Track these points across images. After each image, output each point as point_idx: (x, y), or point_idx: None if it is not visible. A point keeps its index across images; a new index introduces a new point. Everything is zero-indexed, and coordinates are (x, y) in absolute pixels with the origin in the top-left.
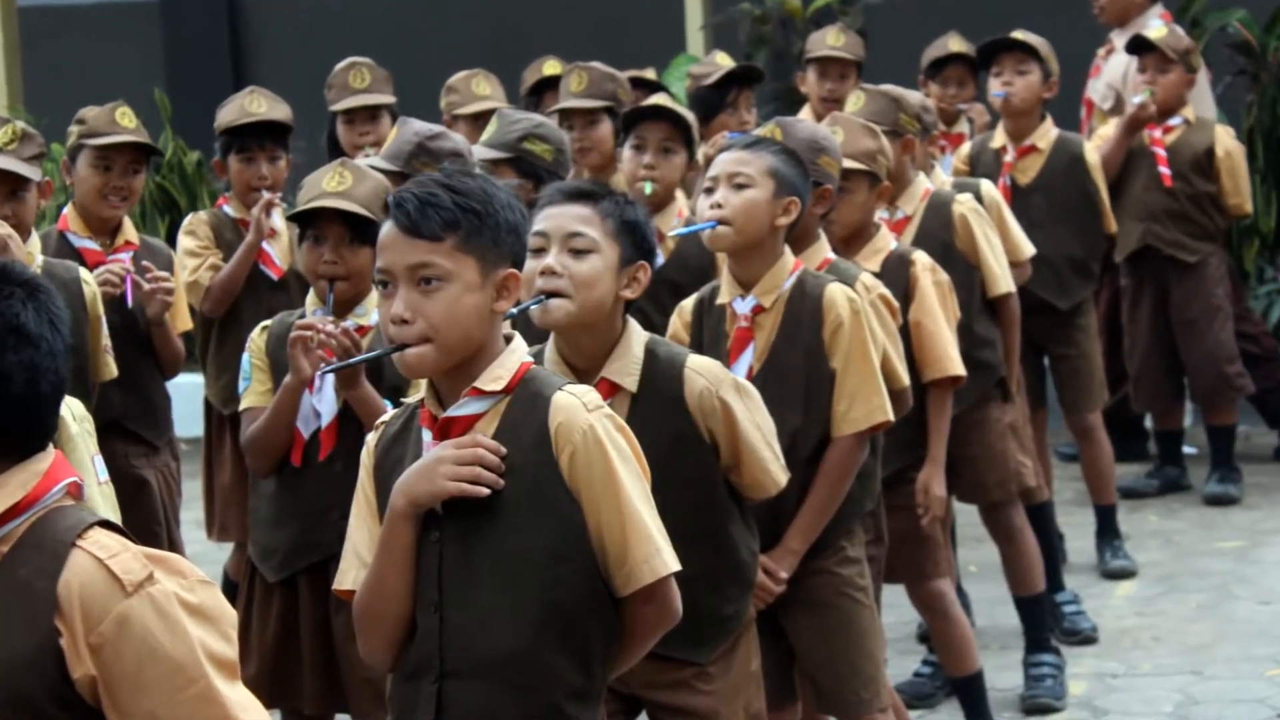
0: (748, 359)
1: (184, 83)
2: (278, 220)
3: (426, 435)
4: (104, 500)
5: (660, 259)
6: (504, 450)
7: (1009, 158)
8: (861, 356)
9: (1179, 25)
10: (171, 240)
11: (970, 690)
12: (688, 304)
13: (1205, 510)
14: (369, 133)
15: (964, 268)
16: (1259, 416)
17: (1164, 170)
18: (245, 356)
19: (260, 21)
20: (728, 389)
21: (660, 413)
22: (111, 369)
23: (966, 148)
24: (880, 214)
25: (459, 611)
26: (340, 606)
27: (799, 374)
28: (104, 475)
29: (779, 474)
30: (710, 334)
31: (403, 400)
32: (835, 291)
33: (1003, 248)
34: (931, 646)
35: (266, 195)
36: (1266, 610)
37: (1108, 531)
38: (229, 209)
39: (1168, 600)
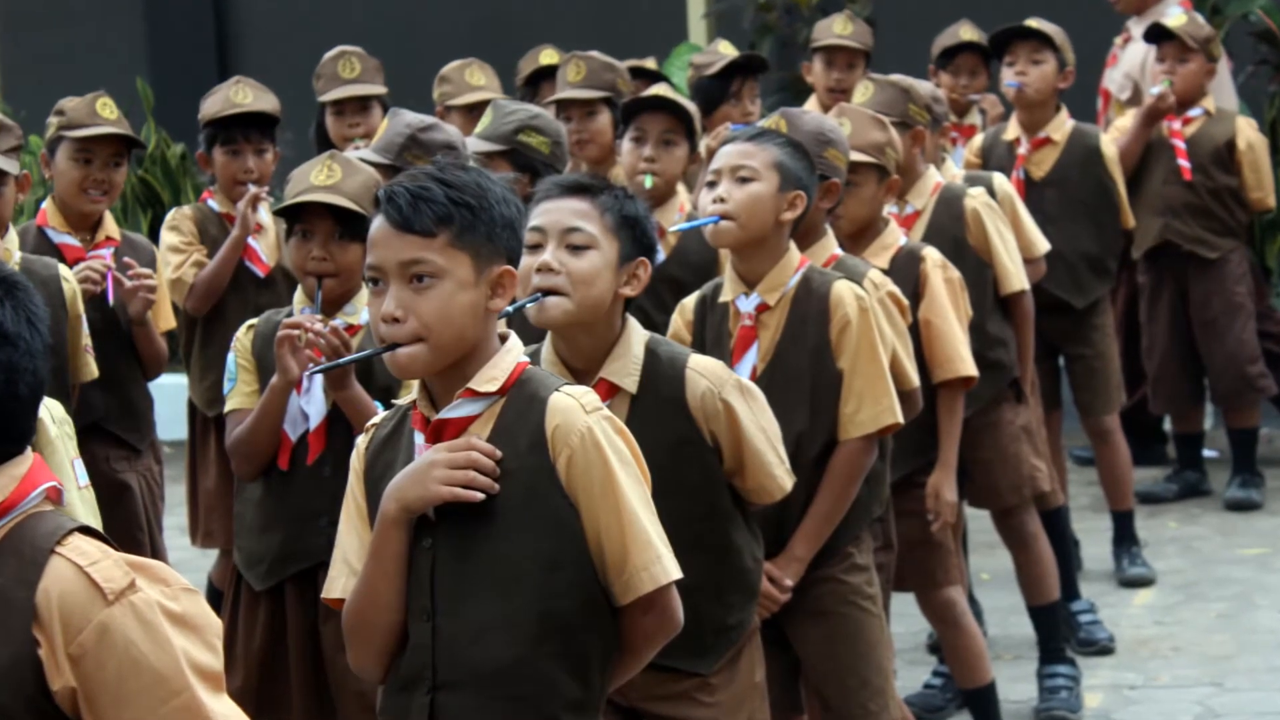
0: (751, 359)
1: (167, 72)
2: (264, 215)
3: (419, 438)
4: (84, 505)
5: (661, 255)
6: (499, 453)
7: (1023, 150)
8: (869, 356)
9: (1199, 13)
10: (154, 236)
11: (982, 702)
12: (689, 302)
13: (1226, 516)
14: (359, 124)
15: (976, 264)
16: None
17: (1183, 163)
18: (230, 356)
19: (246, 9)
20: (731, 390)
21: (661, 414)
22: (92, 369)
23: (979, 140)
24: (889, 209)
25: (452, 621)
26: (329, 615)
27: (805, 375)
28: (84, 479)
29: (784, 478)
30: (713, 333)
31: (394, 402)
32: (842, 289)
33: (1016, 244)
34: (942, 657)
35: (252, 189)
36: None
37: (1125, 538)
38: (214, 203)
39: (1187, 609)
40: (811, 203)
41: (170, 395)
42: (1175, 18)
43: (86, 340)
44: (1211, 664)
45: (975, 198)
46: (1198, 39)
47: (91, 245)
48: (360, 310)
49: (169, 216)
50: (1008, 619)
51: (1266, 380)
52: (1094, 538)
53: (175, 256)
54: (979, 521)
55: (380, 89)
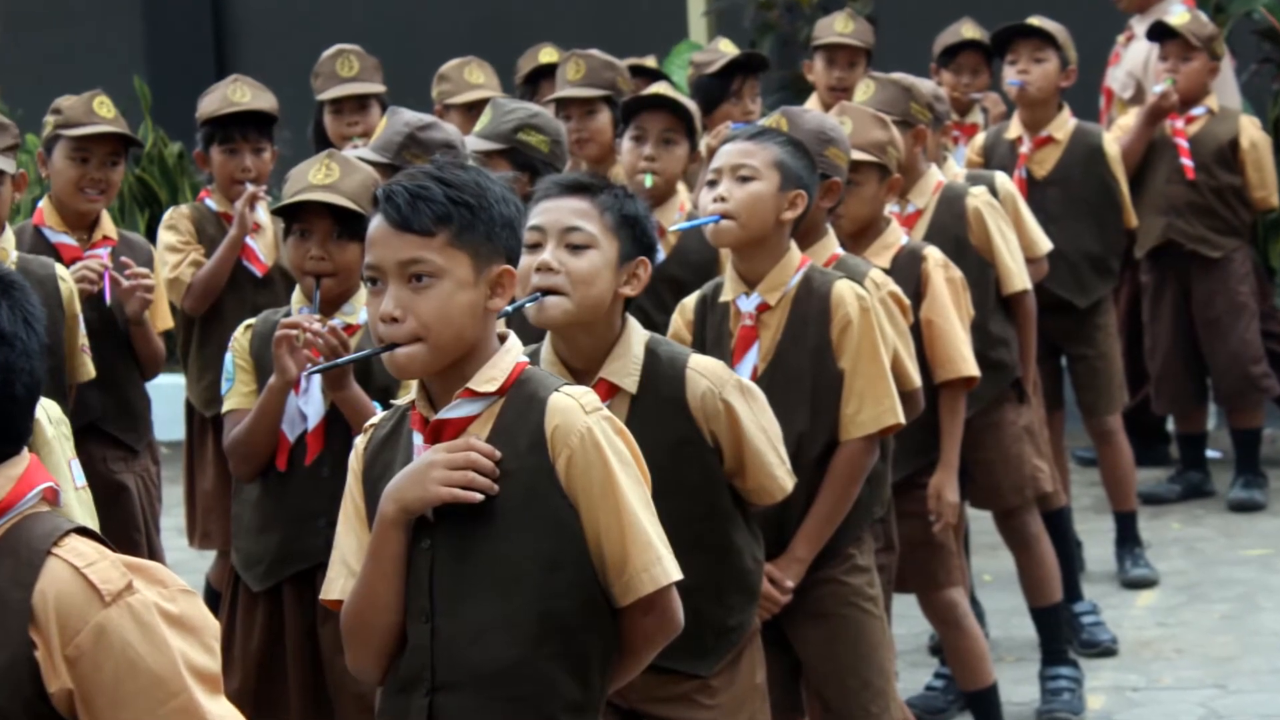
0: (752, 359)
1: (165, 71)
2: (262, 214)
3: (417, 438)
4: (81, 506)
5: (661, 255)
6: (498, 454)
7: (1025, 149)
8: (871, 356)
9: (1202, 11)
10: (151, 235)
11: (984, 704)
12: (690, 302)
13: (1229, 517)
14: (357, 123)
15: (978, 264)
16: None
17: (1186, 162)
18: (228, 356)
19: (245, 8)
20: (731, 390)
21: (661, 415)
22: (89, 370)
23: (980, 139)
24: (891, 208)
25: (451, 622)
26: (327, 617)
27: (806, 375)
28: (81, 480)
29: (785, 479)
30: (713, 333)
31: (392, 402)
32: (843, 289)
33: (1018, 243)
34: (944, 659)
35: (250, 188)
36: None
37: (1128, 539)
38: (211, 203)
39: (1190, 610)
40: (812, 202)
41: (168, 395)
42: (1178, 15)
43: (83, 340)
44: (1215, 666)
45: (977, 197)
46: (1201, 37)
47: (88, 245)
48: (358, 310)
49: (166, 216)
50: (1010, 620)
51: (1270, 380)
52: (1096, 539)
53: (173, 256)
54: (981, 522)
55: (379, 87)
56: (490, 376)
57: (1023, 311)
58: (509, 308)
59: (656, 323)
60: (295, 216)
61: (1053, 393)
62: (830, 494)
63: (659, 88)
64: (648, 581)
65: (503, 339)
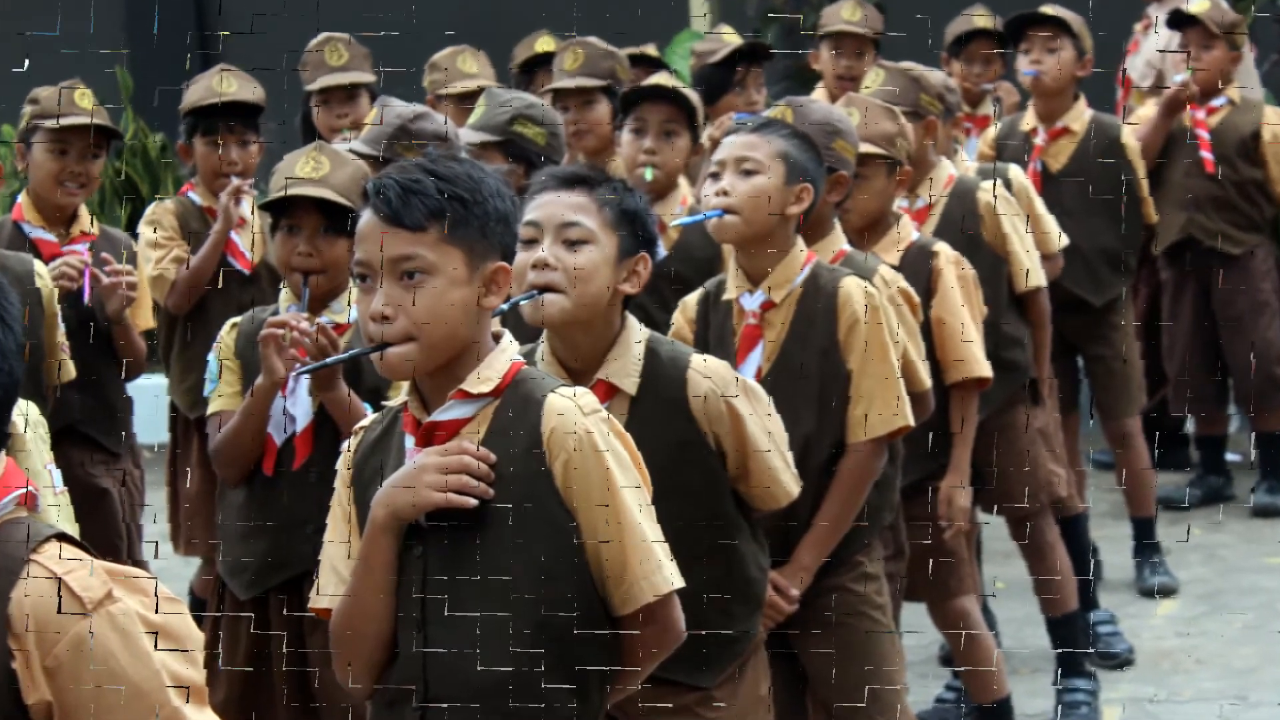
0: (756, 359)
1: (147, 60)
2: (248, 209)
3: (409, 441)
4: (60, 511)
5: (662, 251)
6: (493, 457)
7: (1039, 141)
8: (879, 356)
9: None
10: (133, 230)
11: (997, 717)
12: (692, 299)
13: (1252, 522)
14: (347, 114)
15: (991, 260)
16: None
17: (1207, 155)
18: (213, 356)
19: None
20: (735, 391)
21: (662, 417)
22: (69, 370)
23: (993, 131)
24: (900, 202)
25: (444, 632)
26: (316, 626)
27: (812, 375)
28: (60, 484)
29: (790, 484)
30: (716, 332)
31: (383, 403)
32: (851, 286)
33: (1032, 239)
34: (955, 670)
35: (236, 182)
36: None
37: (1146, 546)
38: (195, 196)
39: (1211, 620)
40: (819, 196)
41: (150, 396)
42: (1198, 3)
43: (63, 339)
44: (1236, 677)
45: (989, 191)
46: (1222, 25)
47: (68, 240)
48: (348, 308)
49: (148, 210)
50: (1023, 630)
51: None
52: (1114, 545)
53: (155, 252)
54: (994, 529)
55: (368, 77)
56: (485, 377)
57: (1037, 310)
58: (504, 305)
59: (658, 321)
60: (283, 211)
61: (1068, 394)
62: (837, 499)
63: (660, 78)
64: (648, 590)
65: (497, 338)
